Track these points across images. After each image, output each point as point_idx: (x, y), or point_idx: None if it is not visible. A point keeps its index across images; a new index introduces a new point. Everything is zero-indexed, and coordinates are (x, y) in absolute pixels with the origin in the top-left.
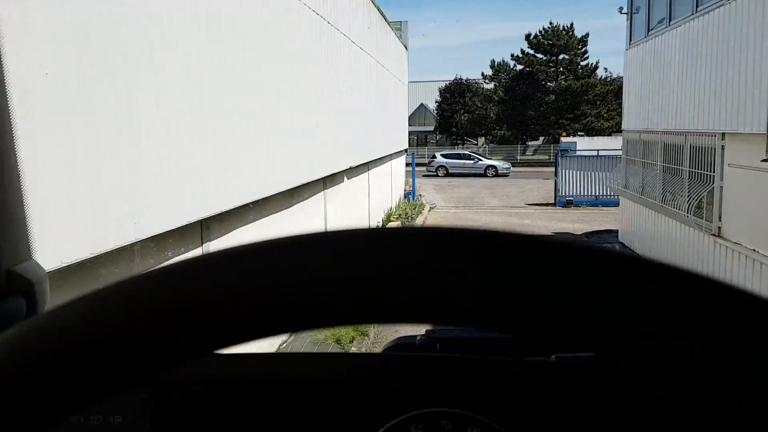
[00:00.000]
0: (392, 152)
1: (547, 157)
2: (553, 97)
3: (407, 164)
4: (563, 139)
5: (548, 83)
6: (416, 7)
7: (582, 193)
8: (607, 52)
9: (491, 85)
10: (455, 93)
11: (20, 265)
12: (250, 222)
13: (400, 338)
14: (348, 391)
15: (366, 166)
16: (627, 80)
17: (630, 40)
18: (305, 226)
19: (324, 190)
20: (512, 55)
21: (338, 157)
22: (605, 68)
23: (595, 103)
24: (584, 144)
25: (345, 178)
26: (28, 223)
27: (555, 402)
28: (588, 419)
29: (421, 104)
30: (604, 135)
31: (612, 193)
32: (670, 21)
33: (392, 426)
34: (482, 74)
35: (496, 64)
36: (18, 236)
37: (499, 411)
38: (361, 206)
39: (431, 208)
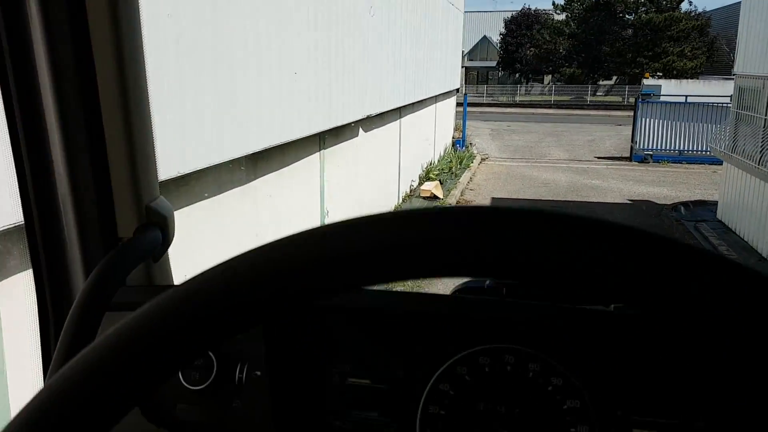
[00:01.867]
0: (438, 93)
1: (620, 99)
2: (630, 31)
3: (458, 104)
4: (645, 81)
5: (627, 16)
6: None
7: (664, 147)
8: None
9: (563, 17)
10: (522, 25)
11: (155, 201)
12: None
13: (469, 281)
14: (428, 325)
15: (397, 112)
16: (747, 4)
17: None
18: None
19: (321, 149)
20: None
21: (346, 104)
22: (690, 1)
23: (679, 40)
24: (670, 88)
25: (361, 130)
26: (158, 165)
27: (611, 347)
28: (641, 366)
29: (484, 37)
30: (686, 76)
31: (699, 148)
32: None
33: (463, 356)
34: (553, 3)
35: None
36: (152, 176)
37: (559, 351)
38: (386, 164)
39: (483, 159)
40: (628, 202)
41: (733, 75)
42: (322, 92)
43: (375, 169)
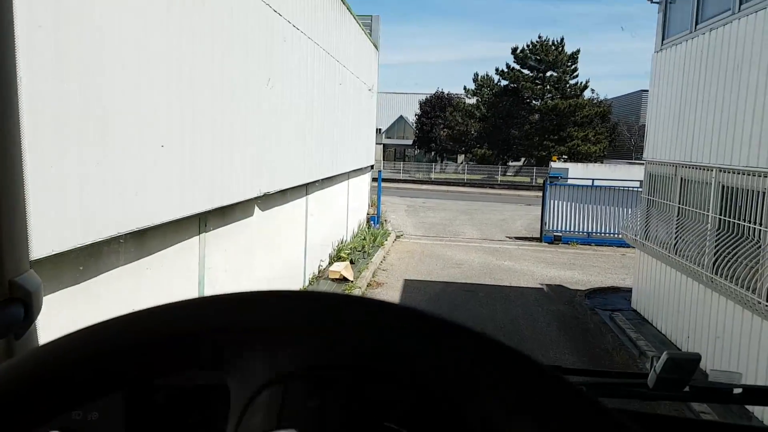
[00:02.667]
0: (350, 169)
1: (529, 179)
2: (537, 116)
3: (373, 179)
4: (553, 165)
5: (534, 101)
6: (399, 23)
7: (572, 229)
8: (594, 76)
9: (473, 101)
10: (436, 107)
11: (21, 276)
12: None
13: None
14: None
15: (303, 189)
16: (655, 93)
17: (664, 38)
18: (163, 290)
19: (202, 233)
20: (497, 70)
21: (237, 180)
22: (592, 89)
23: (583, 125)
24: (577, 171)
25: (257, 209)
26: (29, 237)
27: None
28: None
29: (401, 116)
30: (591, 160)
31: (607, 230)
32: (744, 0)
33: None
34: (464, 88)
35: (479, 78)
36: (20, 250)
37: None
38: (290, 245)
39: (397, 237)
40: (541, 286)
41: (643, 161)
42: (201, 167)
43: (275, 252)
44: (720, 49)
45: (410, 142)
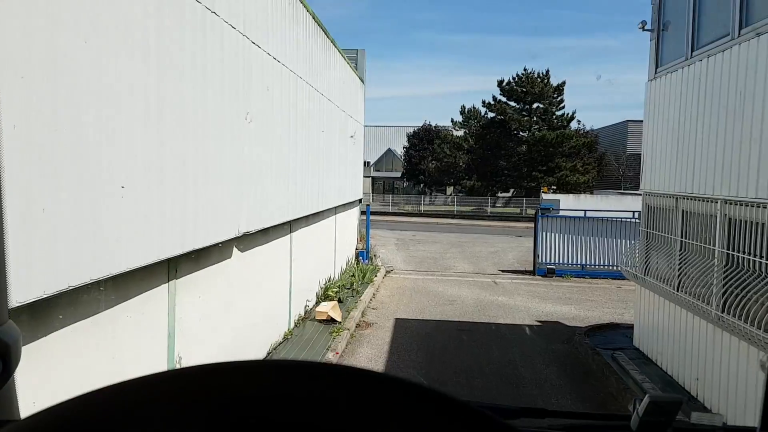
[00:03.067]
0: (338, 204)
1: (518, 210)
2: (525, 147)
3: (362, 213)
4: (544, 196)
5: (521, 133)
6: (385, 58)
7: (566, 261)
8: (580, 107)
9: (461, 133)
10: (424, 139)
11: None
12: None
13: None
14: None
15: (287, 226)
16: (650, 122)
17: (657, 66)
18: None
19: (172, 280)
20: (483, 102)
21: (212, 220)
22: (578, 120)
23: (570, 155)
24: (568, 202)
25: (235, 250)
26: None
27: None
28: None
29: (389, 149)
30: (579, 190)
31: (601, 262)
32: (743, 25)
33: None
34: (452, 120)
35: (466, 110)
36: None
37: None
38: (273, 286)
39: (387, 272)
40: (538, 323)
41: (639, 192)
42: (171, 208)
43: (257, 295)
44: (721, 76)
45: (399, 174)
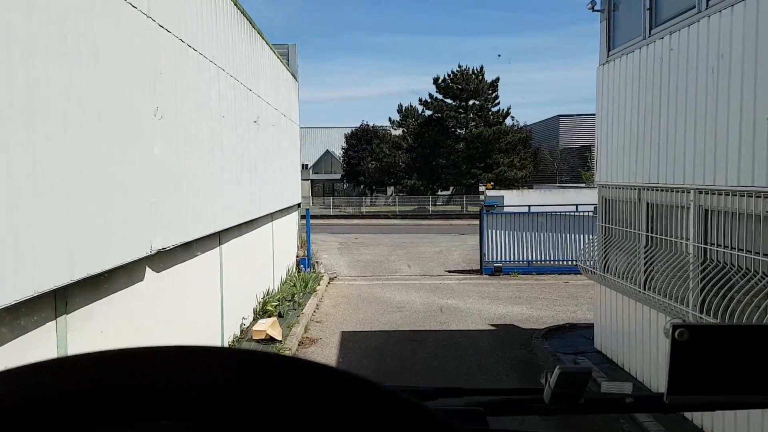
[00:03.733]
0: (274, 210)
1: (459, 208)
2: (463, 144)
3: (302, 217)
4: (488, 192)
5: (458, 130)
6: (319, 60)
7: (512, 258)
8: (513, 104)
9: (399, 132)
10: (362, 139)
11: None
12: None
13: None
14: None
15: (215, 238)
16: (603, 109)
17: (610, 48)
18: None
19: (61, 315)
20: (420, 100)
21: (121, 237)
22: (512, 117)
23: (507, 151)
24: (512, 198)
25: (149, 271)
26: None
27: None
28: None
29: (327, 151)
30: (518, 185)
31: (547, 258)
32: None
33: None
34: (390, 119)
35: (404, 109)
36: None
37: None
38: (200, 308)
39: (331, 279)
40: (492, 327)
41: (595, 185)
42: (50, 228)
43: (180, 319)
44: (688, 53)
45: (338, 176)
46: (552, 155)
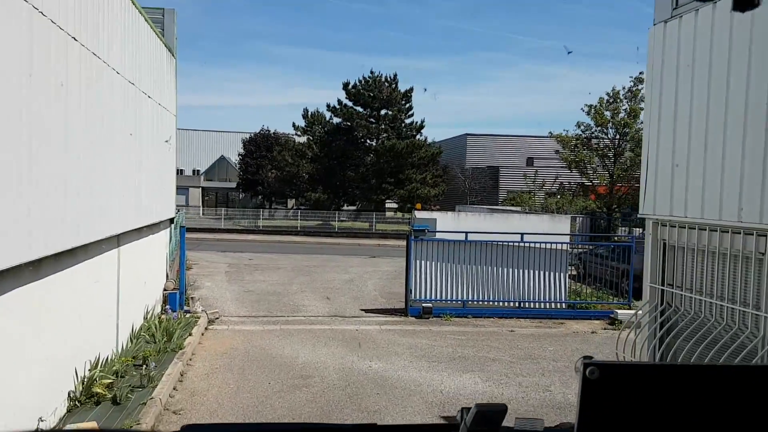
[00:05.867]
0: (126, 230)
1: (368, 225)
2: (373, 156)
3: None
4: (418, 214)
5: (369, 141)
6: (222, 65)
7: (444, 297)
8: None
9: (304, 139)
10: (261, 146)
11: None
12: None
13: None
14: None
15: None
16: (665, 96)
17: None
18: None
19: None
20: (328, 106)
21: None
22: (421, 132)
23: (420, 167)
24: (446, 222)
25: None
26: None
27: None
28: None
29: (222, 157)
30: (431, 204)
31: (486, 298)
32: None
33: None
34: (294, 125)
35: (309, 114)
36: None
37: None
38: None
39: (211, 322)
40: (443, 421)
41: (642, 216)
42: None
43: None
44: None
45: (234, 185)
46: (463, 174)
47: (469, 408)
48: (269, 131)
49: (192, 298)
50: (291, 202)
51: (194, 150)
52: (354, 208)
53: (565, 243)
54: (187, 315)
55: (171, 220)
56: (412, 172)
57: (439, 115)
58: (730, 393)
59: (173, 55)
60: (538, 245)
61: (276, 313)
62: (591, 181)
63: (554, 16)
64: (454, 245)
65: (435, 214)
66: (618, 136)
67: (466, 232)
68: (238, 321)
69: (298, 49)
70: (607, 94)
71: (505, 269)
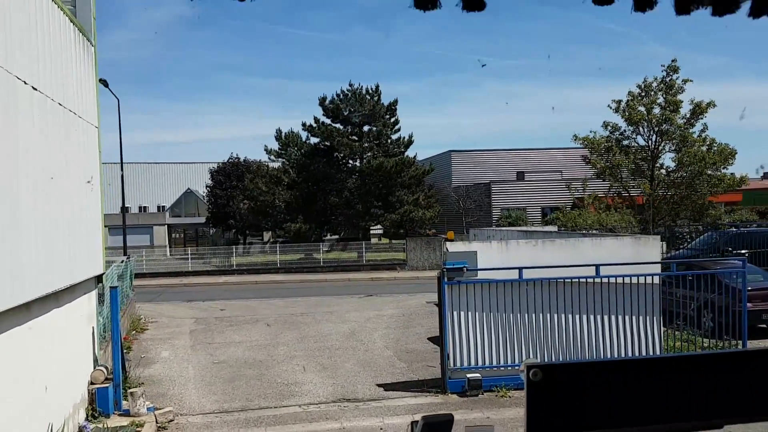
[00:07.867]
0: (12, 305)
1: (356, 255)
2: (357, 178)
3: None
4: (450, 246)
5: (351, 161)
6: (193, 100)
7: (496, 361)
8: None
9: (278, 164)
10: (231, 175)
11: None
12: None
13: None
14: None
15: None
16: None
17: None
18: None
19: None
20: (304, 125)
21: None
22: (403, 150)
23: (410, 186)
24: (491, 254)
25: None
26: None
27: None
28: None
29: (189, 190)
30: (425, 227)
31: (553, 356)
32: None
33: None
34: (266, 149)
35: (283, 135)
36: None
37: None
38: None
39: (161, 428)
40: None
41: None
42: None
43: None
44: None
45: (203, 219)
46: (456, 192)
47: (417, 422)
48: (238, 158)
49: (133, 393)
50: (267, 235)
51: (158, 184)
52: (335, 237)
53: (656, 274)
54: (125, 425)
55: (98, 279)
56: (403, 193)
57: (420, 137)
58: (664, 381)
59: (90, 42)
60: (615, 279)
61: (258, 402)
62: (627, 191)
63: (528, 35)
64: (505, 287)
65: (474, 245)
66: (654, 135)
67: (519, 268)
68: (202, 425)
69: (269, 79)
70: (638, 86)
71: (580, 315)
